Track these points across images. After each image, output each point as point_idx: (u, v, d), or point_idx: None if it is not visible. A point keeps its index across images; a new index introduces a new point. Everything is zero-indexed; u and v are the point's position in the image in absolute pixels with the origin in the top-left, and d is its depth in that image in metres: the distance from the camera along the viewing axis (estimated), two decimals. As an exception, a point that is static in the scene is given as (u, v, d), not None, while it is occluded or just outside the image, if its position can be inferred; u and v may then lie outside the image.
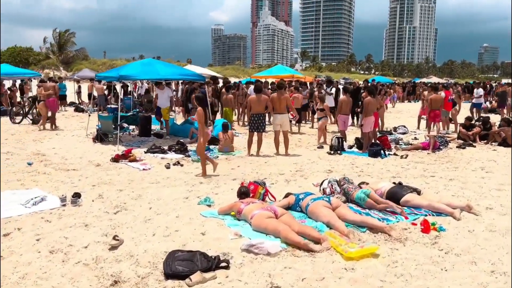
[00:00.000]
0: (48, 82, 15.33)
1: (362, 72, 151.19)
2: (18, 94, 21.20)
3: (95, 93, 18.33)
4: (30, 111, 15.08)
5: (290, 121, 11.91)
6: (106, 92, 20.20)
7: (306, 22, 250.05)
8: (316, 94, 13.75)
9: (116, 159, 8.77)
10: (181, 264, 3.65)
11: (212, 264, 3.72)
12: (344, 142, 10.75)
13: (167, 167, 8.35)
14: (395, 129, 14.46)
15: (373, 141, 10.81)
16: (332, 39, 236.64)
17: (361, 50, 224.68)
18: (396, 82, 39.16)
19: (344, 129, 11.27)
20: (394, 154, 10.01)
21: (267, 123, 11.62)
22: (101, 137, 10.99)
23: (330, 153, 10.09)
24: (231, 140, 10.26)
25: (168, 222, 5.09)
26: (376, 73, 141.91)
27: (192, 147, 10.62)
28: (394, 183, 6.84)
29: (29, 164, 8.39)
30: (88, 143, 10.97)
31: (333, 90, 14.63)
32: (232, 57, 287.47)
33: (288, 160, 9.23)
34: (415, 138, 12.65)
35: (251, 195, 5.78)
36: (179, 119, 14.85)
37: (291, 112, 10.90)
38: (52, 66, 53.11)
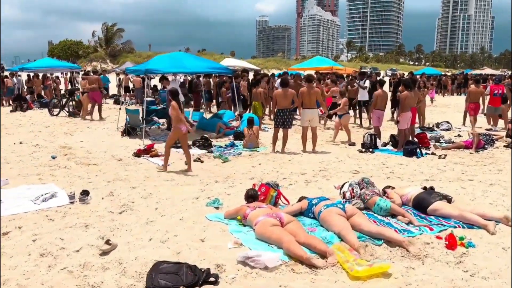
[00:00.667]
0: (92, 75, 15.68)
1: (412, 63, 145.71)
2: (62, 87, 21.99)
3: (131, 86, 18.53)
4: (67, 104, 15.40)
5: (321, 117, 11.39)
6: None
7: (353, 11, 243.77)
8: (335, 89, 12.98)
9: (138, 154, 8.67)
10: (164, 277, 3.35)
11: (199, 278, 3.40)
12: (378, 139, 10.10)
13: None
14: (437, 125, 13.50)
15: (409, 138, 10.10)
16: (380, 29, 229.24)
17: (411, 40, 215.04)
18: (446, 73, 36.94)
19: (379, 125, 10.58)
20: (432, 153, 9.25)
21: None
22: (129, 131, 10.96)
23: (361, 151, 9.49)
24: (256, 136, 9.89)
25: (169, 225, 4.83)
26: (427, 64, 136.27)
27: (217, 142, 10.39)
28: (425, 187, 6.23)
29: (53, 157, 8.45)
30: (116, 137, 10.99)
31: (367, 83, 13.82)
32: (276, 49, 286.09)
33: (314, 158, 8.75)
34: (459, 136, 11.70)
35: (262, 198, 5.42)
36: (209, 114, 14.66)
37: (321, 108, 10.37)
38: (100, 59, 54.87)
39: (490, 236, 4.56)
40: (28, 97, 18.46)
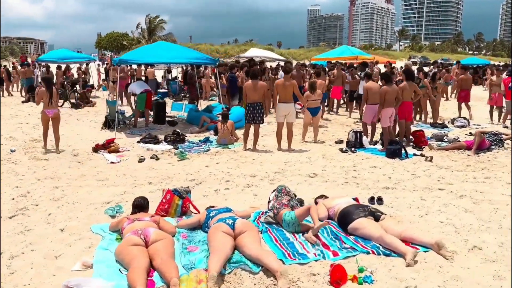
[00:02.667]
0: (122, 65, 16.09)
1: (471, 52, 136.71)
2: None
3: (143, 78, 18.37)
4: (70, 96, 15.46)
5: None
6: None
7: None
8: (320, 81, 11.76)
9: (96, 149, 8.29)
10: None
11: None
12: (364, 137, 9.07)
13: (141, 160, 7.63)
14: (452, 121, 12.11)
15: (408, 136, 9.03)
16: (438, 16, 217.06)
17: (472, 28, 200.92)
18: (495, 64, 33.73)
19: (368, 122, 9.50)
20: (421, 154, 8.12)
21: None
22: (109, 123, 10.66)
23: (342, 151, 8.53)
24: (230, 131, 9.19)
25: (40, 236, 4.32)
26: (488, 53, 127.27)
27: (195, 137, 9.82)
28: (372, 198, 5.36)
29: (12, 151, 8.27)
30: (96, 130, 10.71)
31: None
32: (328, 38, 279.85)
33: (282, 158, 7.94)
34: (470, 134, 10.32)
35: (166, 207, 4.80)
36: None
37: (299, 102, 9.47)
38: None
39: (401, 269, 3.64)
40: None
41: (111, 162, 7.48)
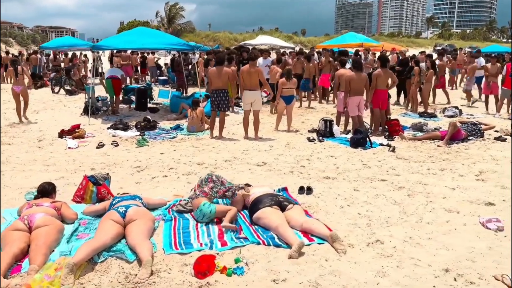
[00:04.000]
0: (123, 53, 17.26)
1: (505, 40, 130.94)
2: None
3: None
4: (64, 82, 15.70)
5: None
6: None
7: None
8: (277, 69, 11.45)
9: (61, 134, 8.37)
10: None
11: None
12: (335, 126, 8.81)
13: (99, 146, 7.66)
14: (443, 110, 11.62)
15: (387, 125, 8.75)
16: (471, 3, 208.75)
17: (508, 15, 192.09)
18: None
19: (340, 110, 9.21)
20: (387, 144, 7.81)
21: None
22: (88, 109, 10.74)
23: (309, 140, 8.30)
24: (200, 118, 9.10)
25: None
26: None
27: (169, 124, 9.79)
28: (302, 187, 5.18)
29: (-18, 135, 8.44)
30: (75, 116, 10.81)
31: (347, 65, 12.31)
32: (356, 26, 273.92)
33: (244, 146, 7.81)
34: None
35: (82, 193, 4.78)
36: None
37: (265, 89, 9.26)
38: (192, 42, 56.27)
39: (281, 261, 3.48)
40: (53, 75, 19.15)
41: (69, 148, 7.54)
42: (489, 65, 11.95)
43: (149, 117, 9.59)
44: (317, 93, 13.76)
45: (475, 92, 13.79)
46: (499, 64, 11.82)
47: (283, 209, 4.22)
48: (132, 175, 5.98)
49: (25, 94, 10.04)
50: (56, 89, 15.58)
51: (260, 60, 12.38)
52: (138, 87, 11.55)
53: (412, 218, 4.42)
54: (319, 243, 3.79)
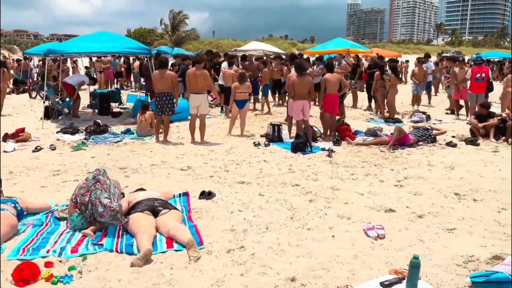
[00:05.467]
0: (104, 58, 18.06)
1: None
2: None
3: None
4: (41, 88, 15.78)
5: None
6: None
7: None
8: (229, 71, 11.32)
9: (4, 138, 8.34)
10: None
11: None
12: (284, 130, 8.63)
13: (35, 150, 7.61)
14: (411, 116, 11.35)
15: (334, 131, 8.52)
16: (484, 9, 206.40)
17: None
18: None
19: (291, 114, 8.99)
20: (329, 149, 7.59)
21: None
22: (49, 113, 10.74)
23: (255, 144, 8.13)
24: (150, 123, 8.99)
25: None
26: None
27: (121, 128, 9.71)
28: (202, 193, 5.02)
29: None
30: (35, 120, 10.80)
31: (316, 69, 12.16)
32: (368, 33, 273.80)
33: (182, 150, 7.66)
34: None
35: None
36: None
37: (211, 94, 9.12)
38: (164, 45, 56.66)
39: (121, 269, 3.32)
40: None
41: (4, 152, 7.50)
42: (457, 69, 11.64)
43: (99, 121, 9.52)
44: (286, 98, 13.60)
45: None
46: (467, 68, 11.50)
47: (156, 214, 4.07)
48: (46, 179, 5.89)
49: None
50: (34, 94, 15.67)
51: (224, 64, 12.29)
52: (101, 92, 11.51)
53: (296, 224, 4.23)
54: (177, 250, 3.63)
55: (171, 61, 14.64)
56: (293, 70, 9.45)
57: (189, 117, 8.59)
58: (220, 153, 7.48)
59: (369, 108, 12.99)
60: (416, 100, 13.00)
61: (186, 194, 5.07)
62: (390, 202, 4.87)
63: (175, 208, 4.30)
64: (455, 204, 4.82)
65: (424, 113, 11.38)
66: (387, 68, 11.53)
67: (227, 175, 6.01)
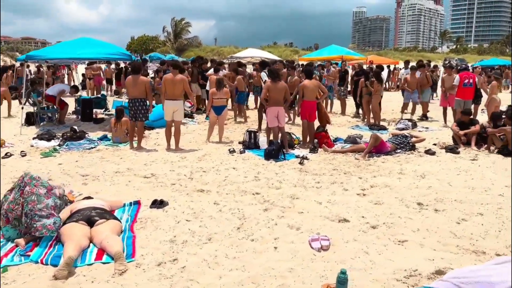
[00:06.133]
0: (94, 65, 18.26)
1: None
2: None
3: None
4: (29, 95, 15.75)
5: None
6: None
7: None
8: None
9: (-24, 145, 8.25)
10: None
11: None
12: (262, 137, 8.47)
13: (5, 157, 7.50)
14: (397, 123, 11.15)
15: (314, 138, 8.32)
16: (490, 17, 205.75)
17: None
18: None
19: (273, 125, 8.78)
20: (301, 157, 7.40)
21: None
22: (30, 119, 10.67)
23: (230, 151, 7.97)
24: (124, 129, 8.87)
25: None
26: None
27: (100, 135, 9.59)
28: (154, 202, 4.87)
29: None
30: (15, 126, 10.72)
31: (263, 75, 12.04)
32: (373, 40, 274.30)
33: (153, 157, 7.51)
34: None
35: None
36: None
37: (189, 100, 8.98)
38: (166, 53, 56.90)
39: (38, 283, 3.16)
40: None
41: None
42: (446, 76, 11.44)
43: (75, 127, 9.41)
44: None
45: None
46: (456, 75, 11.30)
47: (92, 224, 3.91)
48: (3, 186, 5.75)
49: None
50: (23, 100, 15.61)
51: (211, 71, 12.20)
52: (83, 98, 11.44)
53: (241, 234, 4.05)
54: (105, 263, 3.47)
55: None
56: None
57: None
58: (191, 160, 7.33)
59: (356, 115, 12.81)
60: (412, 108, 12.30)
61: (137, 203, 4.92)
62: (346, 212, 4.68)
63: (115, 218, 4.14)
64: (414, 214, 4.62)
65: (410, 120, 11.18)
66: (372, 74, 11.38)
67: (189, 183, 5.85)
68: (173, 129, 8.18)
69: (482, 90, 10.39)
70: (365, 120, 11.66)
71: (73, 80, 22.19)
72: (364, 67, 14.36)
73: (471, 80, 10.04)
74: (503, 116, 8.14)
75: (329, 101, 14.03)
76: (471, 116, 8.80)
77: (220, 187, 5.64)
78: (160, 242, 3.87)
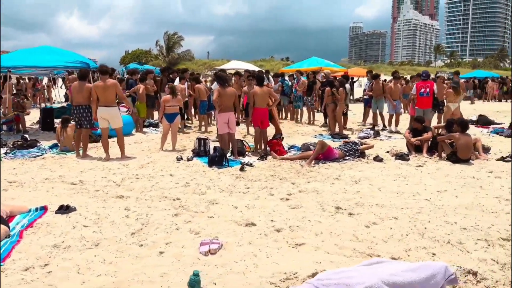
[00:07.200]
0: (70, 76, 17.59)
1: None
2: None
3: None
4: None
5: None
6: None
7: (452, 12, 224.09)
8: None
9: None
10: None
11: None
12: (211, 144, 8.31)
13: None
14: (360, 132, 11.03)
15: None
16: (484, 31, 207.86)
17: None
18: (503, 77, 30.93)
19: (222, 132, 8.66)
20: (243, 163, 7.22)
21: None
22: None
23: (177, 159, 7.79)
24: (71, 136, 8.68)
25: None
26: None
27: (49, 143, 9.40)
28: (60, 207, 4.69)
29: None
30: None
31: (214, 85, 11.95)
32: (369, 55, 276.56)
33: (93, 165, 7.33)
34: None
35: None
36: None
37: (123, 104, 8.81)
38: (158, 66, 57.14)
39: None
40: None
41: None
42: (392, 85, 11.37)
43: (26, 135, 9.24)
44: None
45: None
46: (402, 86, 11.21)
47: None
48: None
49: None
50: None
51: (177, 80, 12.11)
52: (44, 107, 11.31)
53: (132, 240, 3.87)
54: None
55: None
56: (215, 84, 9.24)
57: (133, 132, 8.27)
58: (131, 167, 7.14)
59: (325, 124, 12.68)
60: (395, 119, 11.68)
61: (44, 208, 4.73)
62: (258, 216, 4.49)
63: (5, 223, 3.95)
64: (326, 218, 4.44)
65: (372, 129, 11.05)
66: (337, 83, 11.29)
67: (113, 190, 5.66)
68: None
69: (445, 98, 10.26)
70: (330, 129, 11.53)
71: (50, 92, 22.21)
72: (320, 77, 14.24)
73: (427, 89, 9.93)
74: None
75: (298, 110, 13.98)
76: (424, 123, 8.64)
77: (143, 193, 5.45)
78: (42, 247, 3.68)
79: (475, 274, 3.18)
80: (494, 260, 3.42)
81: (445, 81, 13.09)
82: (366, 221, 4.31)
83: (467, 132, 7.60)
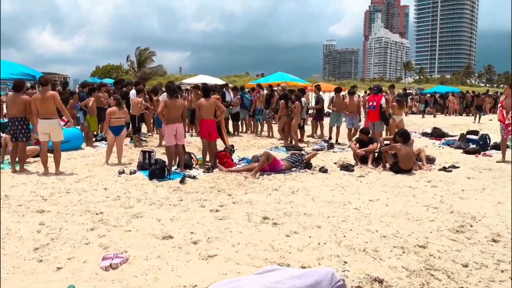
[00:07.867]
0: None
1: (483, 84, 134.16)
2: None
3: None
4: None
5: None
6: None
7: (421, 32, 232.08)
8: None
9: None
10: None
11: None
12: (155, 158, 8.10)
13: None
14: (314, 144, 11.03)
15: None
16: (451, 50, 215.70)
17: (487, 61, 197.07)
18: (469, 92, 31.89)
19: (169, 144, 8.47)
20: (184, 175, 7.04)
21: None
22: None
23: (120, 172, 7.53)
24: (5, 149, 8.32)
25: None
26: (501, 86, 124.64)
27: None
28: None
29: None
30: None
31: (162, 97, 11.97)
32: (343, 72, 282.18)
33: (27, 180, 7.00)
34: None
35: None
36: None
37: (63, 118, 8.54)
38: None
39: None
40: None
41: None
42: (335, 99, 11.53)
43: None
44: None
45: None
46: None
47: None
48: None
49: None
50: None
51: (133, 92, 11.91)
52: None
53: (33, 255, 3.63)
54: None
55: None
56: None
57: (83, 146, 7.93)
58: (66, 182, 6.84)
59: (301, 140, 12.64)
60: (353, 133, 11.48)
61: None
62: (178, 228, 4.32)
63: None
64: (248, 228, 4.31)
65: (327, 141, 11.08)
66: (293, 97, 11.33)
67: (36, 204, 5.37)
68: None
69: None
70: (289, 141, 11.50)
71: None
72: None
73: (375, 103, 10.05)
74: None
75: (258, 124, 13.94)
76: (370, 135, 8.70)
77: (66, 208, 5.20)
78: None
79: (381, 281, 3.10)
80: (404, 267, 3.35)
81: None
82: (287, 231, 4.20)
83: (409, 142, 7.66)
